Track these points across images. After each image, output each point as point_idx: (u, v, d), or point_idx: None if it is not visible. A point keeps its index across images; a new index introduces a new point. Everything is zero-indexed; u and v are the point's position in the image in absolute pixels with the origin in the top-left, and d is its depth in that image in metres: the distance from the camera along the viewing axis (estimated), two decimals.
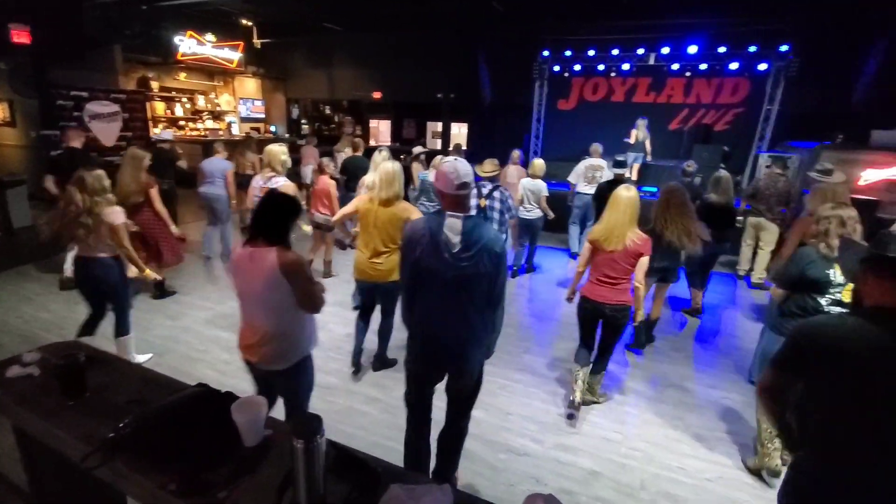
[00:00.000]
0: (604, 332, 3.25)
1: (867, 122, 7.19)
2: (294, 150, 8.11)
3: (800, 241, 3.37)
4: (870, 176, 6.74)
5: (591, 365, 3.32)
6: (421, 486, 1.27)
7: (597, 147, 6.81)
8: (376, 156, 4.46)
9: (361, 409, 3.23)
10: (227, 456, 1.41)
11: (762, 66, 8.71)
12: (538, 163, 5.82)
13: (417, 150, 7.22)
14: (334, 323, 4.46)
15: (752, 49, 8.63)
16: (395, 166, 3.19)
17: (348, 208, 3.47)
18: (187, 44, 11.15)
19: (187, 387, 1.67)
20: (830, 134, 7.58)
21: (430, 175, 5.27)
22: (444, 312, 2.06)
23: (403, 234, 2.15)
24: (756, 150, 8.56)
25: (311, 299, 2.09)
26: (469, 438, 2.43)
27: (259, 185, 4.15)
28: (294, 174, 7.01)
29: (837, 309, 2.48)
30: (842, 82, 8.54)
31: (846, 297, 2.46)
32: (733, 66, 8.98)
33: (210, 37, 11.77)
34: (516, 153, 6.92)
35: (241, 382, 2.91)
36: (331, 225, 4.74)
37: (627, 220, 2.97)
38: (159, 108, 11.78)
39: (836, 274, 2.49)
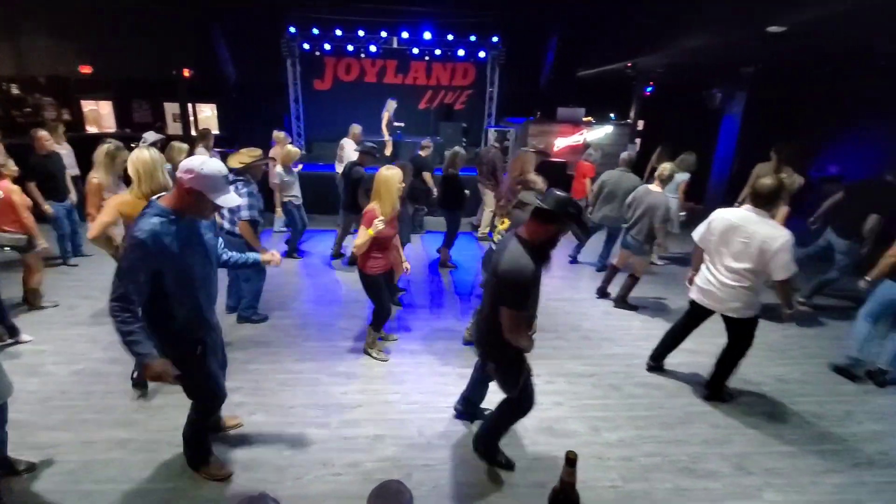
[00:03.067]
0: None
1: (553, 101, 9.29)
2: None
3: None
4: (559, 143, 8.81)
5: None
6: None
7: (355, 127, 6.91)
8: (102, 150, 3.74)
9: (105, 459, 2.70)
10: None
11: (482, 54, 10.28)
12: (291, 151, 5.67)
13: (150, 136, 6.06)
14: (55, 363, 3.55)
15: (473, 38, 10.06)
16: (153, 154, 2.80)
17: (107, 216, 2.89)
18: None
19: None
20: (532, 111, 9.53)
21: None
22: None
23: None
24: (486, 126, 10.19)
25: None
26: (249, 447, 2.30)
27: None
28: None
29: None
30: (534, 69, 10.78)
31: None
32: (461, 52, 10.33)
33: None
34: (280, 134, 6.59)
35: None
36: (25, 245, 3.76)
37: (395, 195, 3.39)
38: None
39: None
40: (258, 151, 3.97)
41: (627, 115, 9.89)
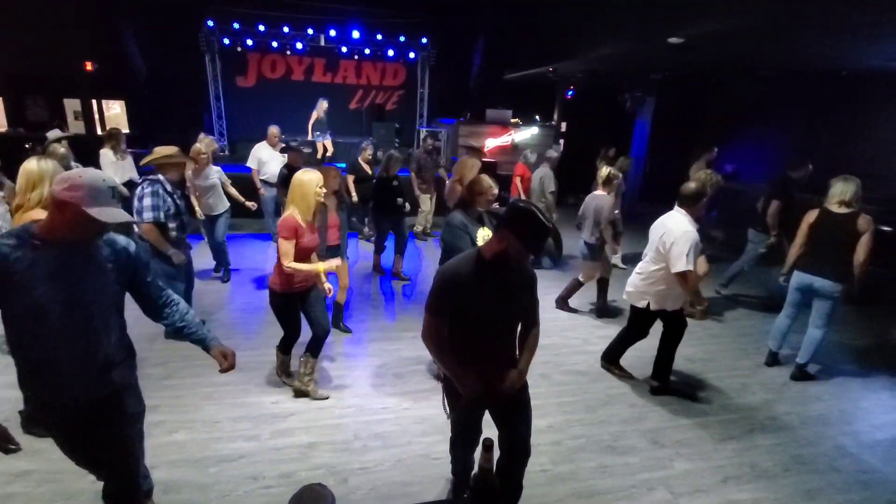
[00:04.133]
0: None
1: (482, 103, 9.53)
2: None
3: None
4: (489, 143, 9.06)
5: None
6: None
7: (272, 129, 6.58)
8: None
9: (5, 493, 2.42)
10: None
11: (412, 55, 10.32)
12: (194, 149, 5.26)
13: (54, 134, 5.42)
14: None
15: (402, 39, 10.07)
16: (42, 165, 2.41)
17: None
18: None
19: None
20: (462, 112, 9.73)
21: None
22: None
23: None
24: (418, 126, 10.24)
25: None
26: (170, 468, 2.15)
27: None
28: None
29: None
30: (464, 71, 11.00)
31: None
32: (391, 52, 10.30)
33: None
34: (206, 138, 6.15)
35: None
36: None
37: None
38: None
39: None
40: (173, 149, 3.71)
41: (552, 118, 10.38)
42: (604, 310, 4.97)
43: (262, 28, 9.66)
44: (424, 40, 10.04)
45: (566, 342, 4.37)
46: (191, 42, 9.52)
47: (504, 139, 9.34)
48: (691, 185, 3.23)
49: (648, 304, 3.40)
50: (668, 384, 3.64)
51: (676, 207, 3.27)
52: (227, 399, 3.27)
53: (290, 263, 2.92)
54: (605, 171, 4.75)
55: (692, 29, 4.84)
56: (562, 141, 10.07)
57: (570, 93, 10.54)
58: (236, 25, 9.61)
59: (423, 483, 2.65)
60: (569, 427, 3.20)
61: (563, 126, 10.59)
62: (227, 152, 10.39)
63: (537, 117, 10.25)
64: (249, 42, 9.92)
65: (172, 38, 9.69)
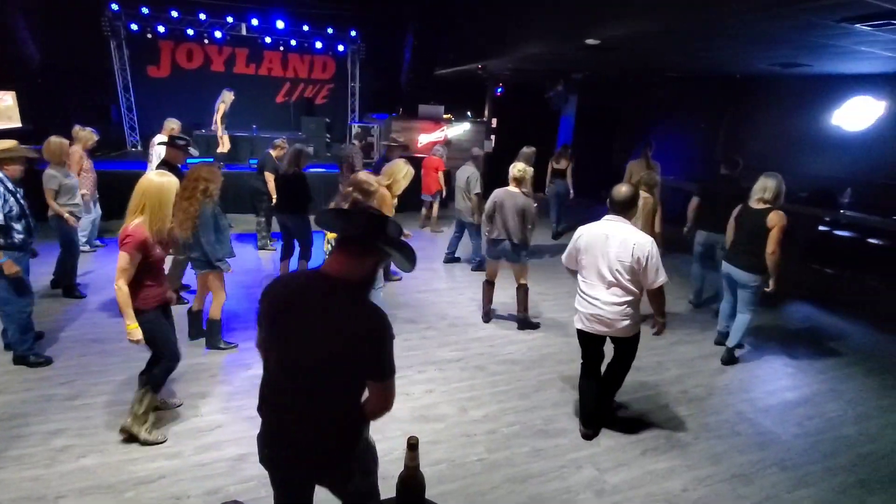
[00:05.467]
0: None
1: (414, 98, 9.52)
2: None
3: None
4: (422, 139, 9.07)
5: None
6: None
7: (170, 122, 6.09)
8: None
9: None
10: None
11: (341, 48, 10.06)
12: (52, 143, 4.62)
13: None
14: None
15: (330, 31, 9.78)
16: None
17: None
18: None
19: None
20: (394, 107, 9.66)
21: None
22: None
23: None
24: (350, 122, 10.03)
25: None
26: (78, 496, 1.94)
27: None
28: None
29: None
30: (395, 66, 10.91)
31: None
32: (318, 44, 9.97)
33: None
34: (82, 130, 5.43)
35: None
36: None
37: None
38: None
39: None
40: (11, 143, 3.35)
41: (482, 114, 10.59)
42: (525, 324, 4.67)
43: (174, 14, 8.97)
44: (353, 33, 9.82)
45: (501, 332, 4.51)
46: (93, 26, 8.63)
47: (437, 135, 9.40)
48: (623, 189, 2.87)
49: (631, 329, 2.95)
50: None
51: (616, 217, 2.87)
52: None
53: (122, 284, 2.48)
54: (521, 167, 4.45)
55: (607, 32, 5.13)
56: (493, 137, 10.30)
57: (500, 90, 10.80)
58: (145, 10, 8.86)
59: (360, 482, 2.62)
60: (504, 415, 3.31)
61: (494, 122, 10.85)
62: (138, 147, 9.60)
63: (469, 113, 10.41)
64: (161, 29, 9.19)
65: (70, 21, 8.74)
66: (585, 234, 2.93)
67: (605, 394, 3.22)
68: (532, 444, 3.05)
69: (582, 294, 2.98)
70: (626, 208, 2.87)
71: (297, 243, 5.20)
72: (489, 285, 4.70)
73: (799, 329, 5.14)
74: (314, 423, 1.51)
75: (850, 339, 4.97)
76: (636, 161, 6.62)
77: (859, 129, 6.48)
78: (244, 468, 2.67)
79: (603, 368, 3.20)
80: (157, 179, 2.57)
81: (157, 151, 5.79)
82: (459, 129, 9.62)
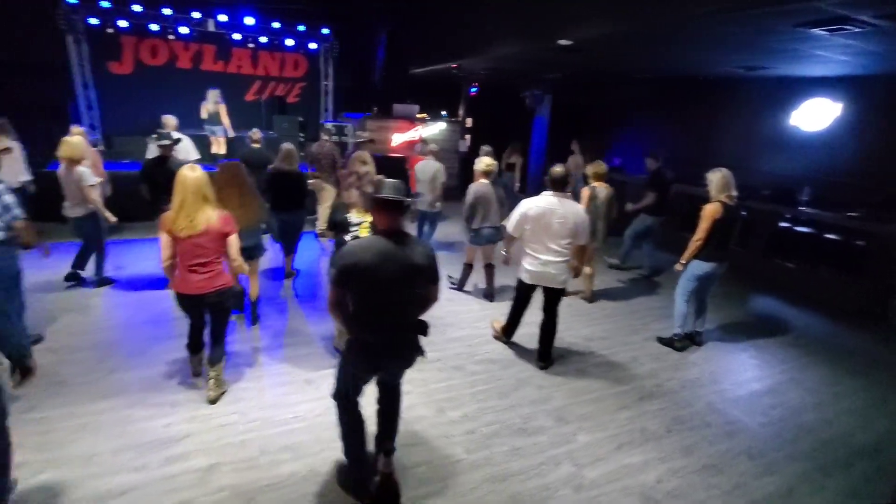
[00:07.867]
0: (212, 320, 3.17)
1: (389, 97, 9.43)
2: None
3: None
4: (397, 139, 9.00)
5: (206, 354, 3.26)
6: None
7: (169, 119, 6.05)
8: None
9: None
10: None
11: (313, 45, 9.86)
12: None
13: None
14: None
15: (302, 28, 9.58)
16: None
17: None
18: None
19: None
20: (369, 106, 9.55)
21: None
22: None
23: None
24: (323, 120, 9.85)
25: None
26: None
27: None
28: None
29: None
30: (368, 65, 10.78)
31: (363, 233, 3.23)
32: (289, 42, 9.75)
33: None
34: (77, 129, 5.43)
35: None
36: None
37: (200, 202, 2.88)
38: None
39: (352, 216, 3.27)
40: None
41: (457, 113, 10.59)
42: (491, 294, 5.29)
43: (137, 8, 8.62)
44: (326, 31, 9.64)
45: (478, 332, 4.50)
46: (47, 20, 8.20)
47: (411, 134, 9.33)
48: (558, 169, 3.70)
49: (565, 282, 3.83)
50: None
51: (555, 193, 3.68)
52: (104, 428, 2.89)
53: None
54: (487, 161, 4.98)
55: (578, 33, 5.20)
56: (468, 136, 10.31)
57: (475, 89, 10.82)
58: (105, 3, 8.47)
59: (337, 493, 2.56)
60: (482, 415, 3.30)
61: (469, 122, 10.85)
62: (102, 147, 9.17)
63: (444, 113, 10.38)
64: (123, 23, 8.79)
65: (21, 13, 8.29)
66: (530, 207, 3.67)
67: (546, 343, 4.02)
68: (511, 442, 3.05)
69: (530, 256, 3.77)
70: (560, 184, 3.68)
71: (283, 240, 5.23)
72: (469, 267, 5.36)
73: (764, 321, 5.33)
74: (411, 324, 2.38)
75: (808, 329, 5.19)
76: (574, 157, 7.58)
77: (817, 129, 6.75)
78: (214, 479, 2.58)
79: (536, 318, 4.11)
80: (189, 175, 2.88)
81: (185, 146, 6.09)
82: (434, 129, 9.58)
